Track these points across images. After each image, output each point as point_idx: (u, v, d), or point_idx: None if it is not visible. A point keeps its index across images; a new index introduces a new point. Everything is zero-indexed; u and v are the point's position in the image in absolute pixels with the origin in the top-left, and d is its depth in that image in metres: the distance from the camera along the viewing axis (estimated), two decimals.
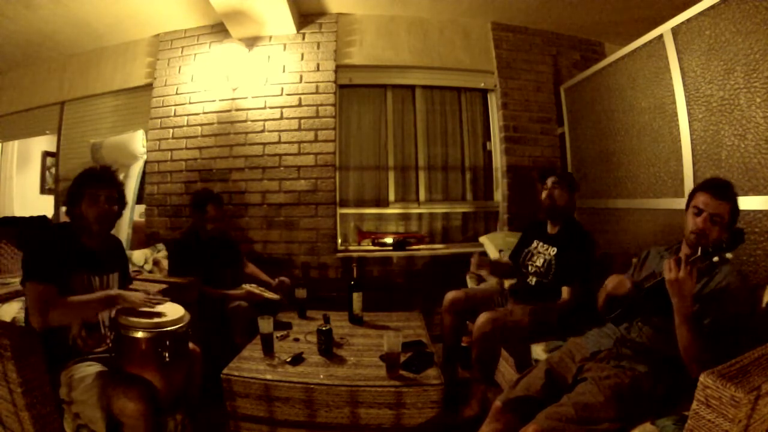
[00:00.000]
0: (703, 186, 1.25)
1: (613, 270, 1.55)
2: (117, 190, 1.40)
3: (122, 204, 1.43)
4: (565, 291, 1.82)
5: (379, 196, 3.09)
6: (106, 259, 1.43)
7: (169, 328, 1.24)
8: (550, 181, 1.94)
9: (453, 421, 1.67)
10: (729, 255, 1.14)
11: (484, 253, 2.74)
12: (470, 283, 2.44)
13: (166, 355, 1.21)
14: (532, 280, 1.95)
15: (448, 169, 3.17)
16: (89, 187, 1.33)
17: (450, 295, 2.06)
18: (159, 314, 1.30)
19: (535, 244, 2.01)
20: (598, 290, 1.46)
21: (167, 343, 1.22)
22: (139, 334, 1.21)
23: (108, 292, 1.30)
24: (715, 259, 1.03)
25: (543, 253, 1.95)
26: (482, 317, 1.76)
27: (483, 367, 1.79)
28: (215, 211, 2.19)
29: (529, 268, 1.98)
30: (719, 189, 1.21)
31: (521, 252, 2.06)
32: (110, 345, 1.35)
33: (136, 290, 1.48)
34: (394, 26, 2.97)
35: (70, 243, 1.31)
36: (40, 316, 1.15)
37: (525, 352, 1.74)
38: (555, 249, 1.90)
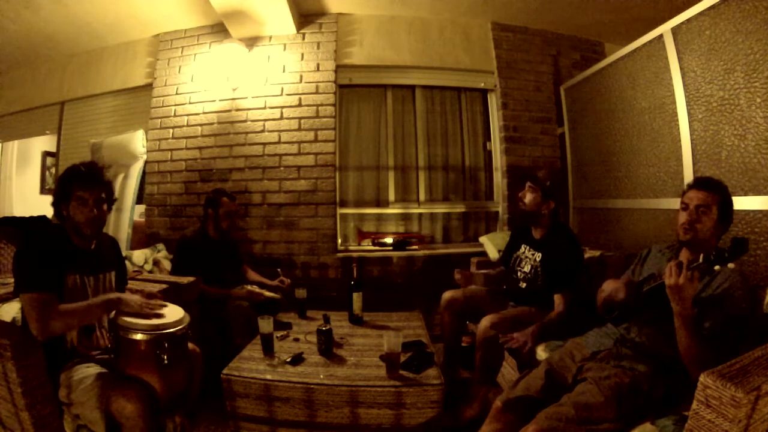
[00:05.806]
0: (690, 184, 1.31)
1: (608, 272, 1.53)
2: (105, 190, 1.34)
3: (111, 202, 1.38)
4: (557, 299, 1.79)
5: (379, 196, 3.09)
6: (101, 258, 1.41)
7: (168, 330, 1.24)
8: (526, 185, 1.93)
9: (453, 422, 1.67)
10: (731, 265, 1.12)
11: (482, 253, 2.74)
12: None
13: (165, 357, 1.21)
14: (523, 285, 1.95)
15: (448, 169, 3.16)
16: (76, 190, 1.28)
17: (447, 295, 2.07)
18: (159, 315, 1.29)
19: (523, 248, 2.00)
20: (595, 291, 1.45)
21: (166, 345, 1.22)
22: (138, 336, 1.20)
23: (108, 296, 1.29)
24: (717, 267, 1.02)
25: (530, 259, 1.94)
26: (485, 321, 1.76)
27: (487, 370, 1.79)
28: (230, 204, 2.22)
29: (518, 273, 1.98)
30: (703, 181, 1.27)
31: (511, 256, 2.06)
32: (109, 346, 1.35)
33: (131, 290, 1.47)
34: (394, 26, 2.97)
35: (62, 244, 1.29)
36: (41, 326, 1.13)
37: (530, 355, 1.73)
38: (540, 254, 1.89)
